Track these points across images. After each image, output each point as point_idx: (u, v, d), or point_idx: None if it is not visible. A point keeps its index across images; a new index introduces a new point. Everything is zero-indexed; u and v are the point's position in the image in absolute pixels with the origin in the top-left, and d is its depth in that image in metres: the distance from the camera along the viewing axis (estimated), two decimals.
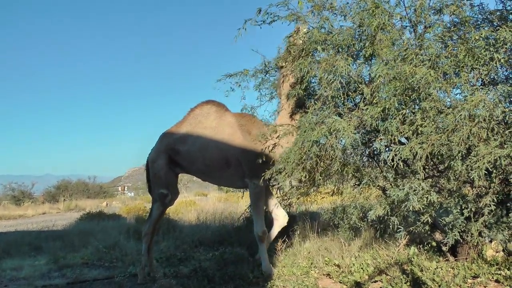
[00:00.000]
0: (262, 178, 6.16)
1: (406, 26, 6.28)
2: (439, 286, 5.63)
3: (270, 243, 7.51)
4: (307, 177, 6.16)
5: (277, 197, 8.80)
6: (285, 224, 7.13)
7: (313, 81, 6.57)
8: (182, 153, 7.10)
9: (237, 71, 6.95)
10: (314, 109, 5.93)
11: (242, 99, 7.18)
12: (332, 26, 6.14)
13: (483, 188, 5.73)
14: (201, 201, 18.53)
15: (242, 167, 6.76)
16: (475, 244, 6.21)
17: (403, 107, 5.40)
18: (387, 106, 5.21)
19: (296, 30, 6.47)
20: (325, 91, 5.72)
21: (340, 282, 6.34)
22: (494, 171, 5.20)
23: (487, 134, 4.90)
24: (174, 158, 7.21)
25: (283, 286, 6.31)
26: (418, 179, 5.30)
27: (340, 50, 5.98)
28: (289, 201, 8.85)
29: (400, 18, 6.15)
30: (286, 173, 5.83)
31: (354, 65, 6.11)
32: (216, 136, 6.88)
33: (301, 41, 6.34)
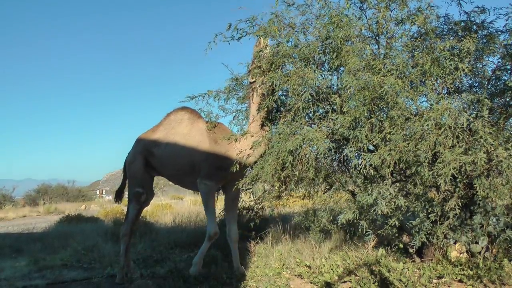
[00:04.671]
0: (236, 186, 6.19)
1: (369, 36, 6.24)
2: (406, 286, 5.59)
3: (244, 245, 7.48)
4: (282, 186, 6.14)
5: (250, 201, 8.73)
6: (237, 239, 7.03)
7: (282, 93, 6.52)
8: (156, 156, 7.06)
9: (200, 92, 6.92)
10: (285, 120, 5.89)
11: (202, 111, 7.09)
12: (298, 40, 6.08)
13: (448, 193, 5.72)
14: (177, 205, 18.38)
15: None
16: (440, 246, 6.18)
17: (372, 115, 5.37)
18: (357, 116, 5.16)
19: (260, 44, 6.42)
20: (296, 103, 5.67)
21: (311, 283, 6.28)
22: (459, 176, 5.19)
23: (453, 141, 4.87)
24: (149, 160, 7.16)
25: (256, 286, 6.23)
26: (386, 184, 5.27)
27: (307, 63, 5.93)
28: (261, 205, 8.78)
29: (364, 29, 6.12)
30: (261, 183, 5.80)
31: (322, 76, 6.07)
32: (186, 142, 6.83)
33: (267, 52, 6.30)
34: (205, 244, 6.77)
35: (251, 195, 8.42)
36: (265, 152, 6.11)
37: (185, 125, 6.98)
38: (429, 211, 5.75)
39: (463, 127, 4.93)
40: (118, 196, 7.78)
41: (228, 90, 6.97)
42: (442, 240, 5.93)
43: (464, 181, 5.49)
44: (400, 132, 5.07)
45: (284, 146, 5.40)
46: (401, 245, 6.83)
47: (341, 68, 5.97)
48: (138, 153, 7.24)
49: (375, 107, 5.39)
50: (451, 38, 5.70)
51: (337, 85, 5.98)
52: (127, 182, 7.48)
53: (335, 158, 6.68)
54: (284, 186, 6.28)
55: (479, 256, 6.23)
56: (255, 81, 6.41)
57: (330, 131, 5.51)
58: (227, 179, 6.75)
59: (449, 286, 5.75)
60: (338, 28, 5.60)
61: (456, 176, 5.05)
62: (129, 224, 7.21)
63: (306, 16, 6.24)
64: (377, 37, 6.17)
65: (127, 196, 7.60)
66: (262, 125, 6.47)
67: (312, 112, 6.08)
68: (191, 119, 7.03)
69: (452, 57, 5.28)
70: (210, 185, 6.61)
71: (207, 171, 6.56)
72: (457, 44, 5.36)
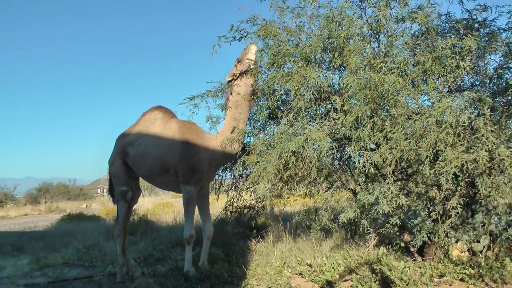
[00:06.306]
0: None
1: (369, 35, 6.21)
2: (407, 284, 5.57)
3: (245, 243, 7.47)
4: (284, 186, 6.12)
5: (251, 199, 8.70)
6: (211, 236, 7.02)
7: (284, 92, 6.50)
8: (130, 156, 7.04)
9: (199, 92, 6.87)
10: (288, 120, 5.86)
11: (193, 114, 7.04)
12: (299, 39, 6.05)
13: (450, 191, 5.69)
14: (178, 203, 18.32)
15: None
16: (442, 244, 6.15)
17: (373, 114, 5.34)
18: (359, 115, 5.13)
19: (247, 49, 6.40)
20: (298, 102, 5.64)
21: (312, 281, 6.25)
22: (461, 175, 5.16)
23: (454, 140, 4.84)
24: (126, 160, 7.15)
25: (257, 285, 6.22)
26: (388, 183, 5.24)
27: (309, 62, 5.90)
28: (262, 203, 8.75)
29: (366, 28, 6.10)
30: (263, 183, 5.79)
31: (324, 75, 6.04)
32: (158, 142, 6.80)
33: (253, 57, 6.32)
34: (187, 249, 6.80)
35: (252, 194, 8.39)
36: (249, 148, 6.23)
37: (158, 125, 6.93)
38: (430, 209, 5.74)
39: (465, 125, 4.90)
40: (112, 195, 7.75)
41: (217, 91, 6.95)
42: (444, 239, 5.90)
43: (466, 180, 5.45)
44: (401, 131, 5.05)
45: (286, 146, 5.37)
46: (402, 244, 6.81)
47: (342, 67, 5.96)
48: (116, 153, 7.25)
49: (377, 105, 5.36)
50: (453, 36, 5.68)
51: (339, 84, 5.94)
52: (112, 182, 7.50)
53: (336, 157, 6.67)
54: (286, 186, 6.26)
55: (480, 255, 6.22)
56: (232, 81, 6.41)
57: (332, 130, 5.49)
58: (203, 180, 6.75)
59: (450, 285, 5.73)
60: (340, 26, 5.59)
61: (458, 174, 5.04)
62: (121, 224, 7.23)
63: (301, 19, 6.21)
64: (377, 36, 6.15)
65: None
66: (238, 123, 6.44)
67: (313, 111, 6.05)
68: (164, 119, 6.97)
69: (454, 55, 5.25)
70: (190, 190, 6.57)
71: (183, 174, 6.52)
72: (458, 42, 5.33)
